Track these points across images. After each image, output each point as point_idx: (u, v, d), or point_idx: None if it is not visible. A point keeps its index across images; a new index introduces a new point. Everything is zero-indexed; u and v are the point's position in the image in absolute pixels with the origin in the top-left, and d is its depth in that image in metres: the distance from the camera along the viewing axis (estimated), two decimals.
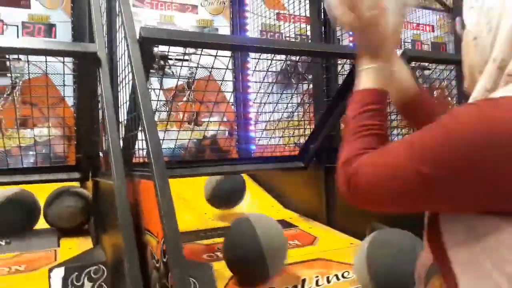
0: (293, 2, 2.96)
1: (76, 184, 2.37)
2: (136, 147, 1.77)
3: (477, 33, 0.69)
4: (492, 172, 0.55)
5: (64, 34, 2.88)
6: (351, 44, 2.92)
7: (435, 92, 3.04)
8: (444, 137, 0.58)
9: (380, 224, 1.62)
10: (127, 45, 1.49)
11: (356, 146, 0.71)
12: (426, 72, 3.09)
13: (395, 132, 2.65)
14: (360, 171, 0.66)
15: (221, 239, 2.05)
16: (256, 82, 3.01)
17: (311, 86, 2.73)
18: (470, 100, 0.69)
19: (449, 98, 3.21)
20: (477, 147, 0.55)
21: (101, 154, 2.12)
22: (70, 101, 2.43)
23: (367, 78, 0.79)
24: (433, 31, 4.36)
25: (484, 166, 0.55)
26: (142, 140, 1.52)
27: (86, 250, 1.84)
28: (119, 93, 1.99)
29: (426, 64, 2.83)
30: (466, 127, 0.57)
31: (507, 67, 0.64)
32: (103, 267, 1.41)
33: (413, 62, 2.35)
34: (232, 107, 3.30)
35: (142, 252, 1.41)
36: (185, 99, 3.12)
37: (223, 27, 3.40)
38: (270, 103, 2.39)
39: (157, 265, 1.27)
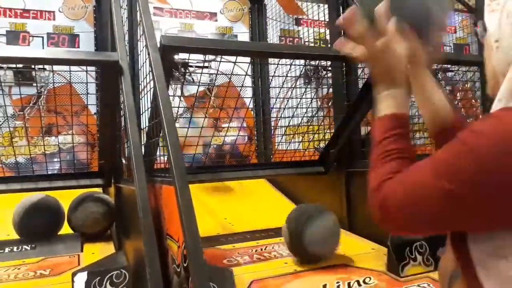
0: (312, 7, 2.96)
1: (99, 190, 2.41)
2: (158, 153, 1.80)
3: (499, 36, 0.69)
4: None
5: (87, 44, 2.96)
6: None
7: (458, 94, 2.98)
8: (466, 155, 0.58)
9: None
10: (148, 54, 1.51)
11: (383, 171, 0.72)
12: (449, 74, 3.04)
13: (417, 135, 2.61)
14: (388, 196, 0.67)
15: (241, 244, 2.07)
16: (275, 87, 3.02)
17: (330, 90, 2.71)
18: (495, 103, 0.68)
19: (473, 100, 3.14)
20: (497, 160, 0.56)
21: (123, 160, 2.15)
22: (93, 109, 2.49)
23: (385, 104, 0.79)
24: (455, 32, 4.29)
25: (506, 179, 0.55)
26: (163, 146, 1.54)
27: (109, 255, 1.86)
28: (140, 100, 2.02)
29: (449, 66, 2.78)
30: (485, 141, 0.57)
31: None
32: (125, 272, 1.42)
33: (435, 64, 2.31)
34: (252, 112, 3.31)
35: (163, 257, 1.42)
36: (203, 105, 3.14)
37: (243, 33, 3.42)
38: (289, 108, 2.39)
39: (178, 270, 1.28)
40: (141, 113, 1.97)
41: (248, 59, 2.28)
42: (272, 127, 3.23)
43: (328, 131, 2.49)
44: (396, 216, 0.66)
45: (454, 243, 0.67)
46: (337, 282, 1.59)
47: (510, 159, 0.55)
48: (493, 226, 0.60)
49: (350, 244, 2.09)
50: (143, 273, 1.25)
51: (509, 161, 0.55)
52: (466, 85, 2.86)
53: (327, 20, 2.61)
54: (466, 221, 0.61)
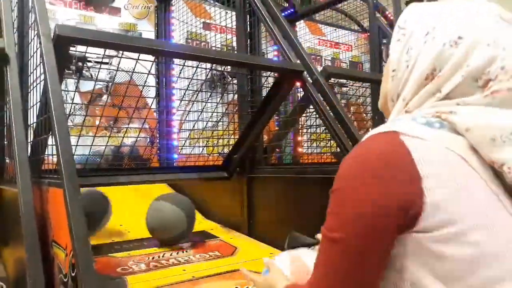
0: (220, 12, 2.97)
1: None
2: (47, 152, 1.65)
3: (397, 66, 0.74)
4: (380, 192, 0.63)
5: None
6: (275, 58, 3.00)
7: (351, 108, 3.21)
8: (337, 193, 0.68)
9: (298, 233, 1.65)
10: (40, 43, 1.38)
11: None
12: (344, 89, 3.26)
13: (314, 145, 2.75)
14: None
15: (137, 252, 1.98)
16: (180, 89, 2.97)
17: (236, 97, 2.75)
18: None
19: (364, 114, 3.40)
20: (357, 176, 0.65)
21: (7, 159, 1.94)
22: None
23: None
24: (351, 50, 4.62)
25: (373, 188, 0.63)
26: (52, 145, 1.42)
27: None
28: (29, 94, 1.84)
29: (344, 81, 2.98)
30: (346, 164, 0.69)
31: (409, 103, 0.72)
32: (2, 284, 1.28)
33: (332, 79, 2.46)
34: (154, 113, 3.21)
35: (49, 267, 1.30)
36: (102, 103, 2.97)
37: (148, 32, 3.31)
38: (194, 111, 2.36)
39: (65, 280, 1.18)
40: (29, 107, 1.80)
41: (151, 58, 2.21)
42: (176, 130, 3.17)
43: (232, 137, 2.51)
44: None
45: None
46: None
47: (357, 173, 0.66)
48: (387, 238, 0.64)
49: (249, 249, 2.12)
50: (24, 284, 1.13)
51: (357, 174, 0.66)
52: (359, 100, 3.08)
53: (235, 26, 2.64)
54: (369, 258, 0.65)
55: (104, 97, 2.98)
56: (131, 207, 2.58)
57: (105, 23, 3.15)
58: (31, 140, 1.69)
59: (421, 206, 0.60)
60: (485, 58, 0.65)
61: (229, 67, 2.84)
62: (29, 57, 1.86)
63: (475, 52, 0.65)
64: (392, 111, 0.77)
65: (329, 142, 2.63)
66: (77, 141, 1.83)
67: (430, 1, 0.80)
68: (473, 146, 0.63)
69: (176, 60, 3.06)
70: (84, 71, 2.75)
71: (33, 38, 1.71)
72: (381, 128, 0.68)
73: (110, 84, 2.92)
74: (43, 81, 1.40)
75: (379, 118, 3.19)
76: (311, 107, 2.13)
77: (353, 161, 0.67)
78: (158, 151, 3.16)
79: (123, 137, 2.43)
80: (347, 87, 3.13)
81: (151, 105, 3.11)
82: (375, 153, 0.64)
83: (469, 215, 0.60)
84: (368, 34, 3.82)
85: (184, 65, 2.00)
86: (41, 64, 1.39)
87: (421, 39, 0.70)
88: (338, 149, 1.97)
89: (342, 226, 0.64)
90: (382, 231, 0.62)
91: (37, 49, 1.60)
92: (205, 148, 2.58)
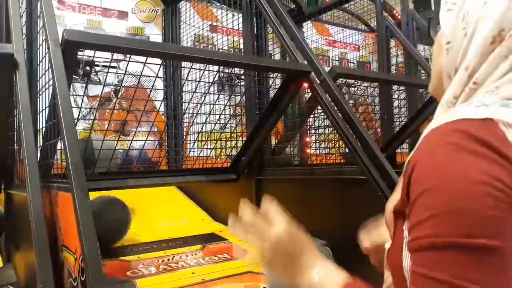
0: (226, 15, 2.98)
1: None
2: (57, 157, 1.66)
3: (452, 37, 0.65)
4: (504, 214, 0.50)
5: None
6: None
7: (360, 108, 3.19)
8: (443, 211, 0.51)
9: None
10: (48, 48, 1.39)
11: None
12: (352, 89, 3.24)
13: (322, 145, 2.74)
14: None
15: (146, 255, 1.98)
16: (188, 91, 2.97)
17: (243, 98, 2.75)
18: (438, 107, 0.66)
19: (372, 114, 3.38)
20: (474, 199, 0.49)
21: (17, 164, 1.96)
22: None
23: None
24: (358, 50, 4.60)
25: (496, 213, 0.49)
26: (61, 149, 1.43)
27: None
28: (38, 99, 1.86)
29: (352, 81, 2.97)
30: (451, 186, 0.51)
31: (474, 75, 0.61)
32: None
33: (340, 79, 2.45)
34: (163, 117, 3.22)
35: (59, 271, 1.31)
36: (111, 107, 2.99)
37: (155, 35, 3.32)
38: (202, 114, 2.36)
39: (75, 284, 1.18)
40: (38, 112, 1.81)
41: (158, 61, 2.21)
42: (184, 133, 3.17)
43: (240, 138, 2.50)
44: None
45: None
46: None
47: (471, 195, 0.49)
48: None
49: None
50: None
51: (470, 197, 0.49)
52: (367, 100, 3.06)
53: (241, 29, 2.64)
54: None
55: (112, 101, 3.00)
56: (140, 210, 2.59)
57: (112, 27, 3.17)
58: (41, 144, 1.70)
59: None
60: None
61: (236, 69, 2.84)
62: (38, 62, 1.87)
63: None
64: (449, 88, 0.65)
65: (337, 143, 2.62)
66: (86, 145, 1.84)
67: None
68: None
69: (184, 63, 3.07)
70: (92, 75, 2.77)
71: (42, 43, 1.72)
72: (464, 113, 0.55)
73: (118, 88, 2.93)
74: (51, 86, 1.41)
75: (387, 118, 3.17)
76: (319, 107, 2.12)
77: (460, 184, 0.51)
78: (166, 154, 3.17)
79: (131, 140, 2.44)
80: (355, 87, 3.11)
81: (159, 108, 3.12)
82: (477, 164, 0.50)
83: None
84: (376, 33, 3.80)
85: (191, 67, 2.00)
86: (50, 69, 1.40)
87: (479, 2, 0.62)
88: (347, 150, 1.96)
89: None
90: None
91: (45, 54, 1.62)
92: (213, 150, 2.58)
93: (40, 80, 1.84)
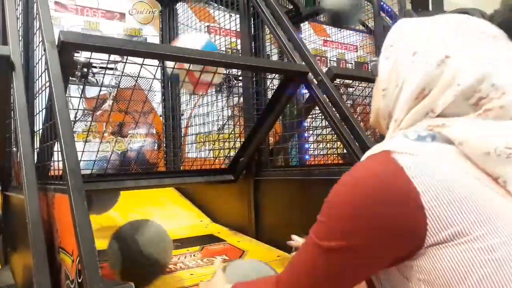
0: (224, 16, 2.98)
1: None
2: (53, 158, 1.65)
3: (387, 85, 0.73)
4: (381, 225, 0.61)
5: None
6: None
7: (358, 109, 3.19)
8: (330, 213, 0.65)
9: (306, 236, 1.64)
10: (44, 49, 1.39)
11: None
12: (350, 89, 3.24)
13: (320, 146, 2.73)
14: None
15: None
16: (185, 93, 2.97)
17: (241, 99, 2.74)
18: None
19: (370, 114, 3.37)
20: (357, 210, 0.62)
21: (14, 166, 1.95)
22: None
23: None
24: (356, 51, 4.60)
25: (371, 223, 0.61)
26: (58, 151, 1.42)
27: None
28: (35, 100, 1.85)
29: (350, 81, 2.96)
30: (342, 196, 0.65)
31: (401, 123, 0.72)
32: None
33: (338, 80, 2.45)
34: (161, 118, 3.21)
35: (56, 273, 1.30)
36: (107, 108, 2.98)
37: (153, 37, 3.32)
38: (200, 115, 2.36)
39: (72, 286, 1.17)
40: (35, 114, 1.81)
41: (156, 62, 2.21)
42: (182, 134, 3.17)
43: (238, 139, 2.50)
44: None
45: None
46: None
47: (356, 206, 0.62)
48: (374, 268, 0.67)
49: (256, 252, 2.11)
50: None
51: (356, 208, 0.62)
52: (365, 100, 3.06)
53: (239, 29, 2.64)
54: (353, 272, 0.66)
55: (109, 103, 2.99)
56: (138, 212, 2.58)
57: (110, 28, 3.16)
58: (37, 146, 1.70)
59: (426, 222, 0.58)
60: (475, 76, 0.63)
61: (234, 70, 2.84)
62: (35, 64, 1.87)
63: (463, 71, 0.64)
64: (384, 128, 0.78)
65: (335, 144, 2.62)
66: (83, 147, 1.84)
67: (421, 15, 0.80)
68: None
69: None
70: (89, 77, 2.76)
71: (38, 45, 1.72)
72: (374, 149, 0.68)
73: (113, 89, 2.92)
74: (48, 88, 1.41)
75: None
76: (317, 108, 2.12)
77: (345, 188, 0.65)
78: (165, 155, 3.16)
79: (129, 142, 2.44)
80: (353, 87, 3.11)
81: (157, 109, 3.12)
82: (369, 177, 0.63)
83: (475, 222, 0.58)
84: (373, 34, 3.80)
85: (189, 69, 1.99)
86: (46, 70, 1.40)
87: (409, 59, 0.70)
88: (345, 150, 1.96)
89: (333, 239, 0.64)
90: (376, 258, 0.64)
91: (42, 55, 1.61)
92: (211, 151, 2.57)
93: (37, 81, 1.84)
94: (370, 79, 2.67)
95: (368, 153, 0.69)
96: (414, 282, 0.61)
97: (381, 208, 0.59)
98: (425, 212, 0.58)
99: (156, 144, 3.22)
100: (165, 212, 2.74)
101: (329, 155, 2.69)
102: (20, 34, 1.91)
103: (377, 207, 0.60)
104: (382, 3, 3.47)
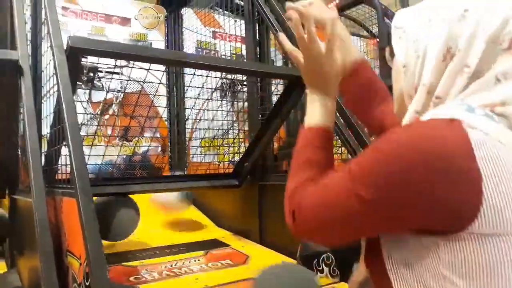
0: (229, 21, 2.99)
1: None
2: (61, 162, 1.67)
3: (406, 61, 0.70)
4: (428, 194, 0.55)
5: None
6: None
7: None
8: (380, 161, 0.59)
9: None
10: (53, 54, 1.41)
11: (299, 178, 0.72)
12: None
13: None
14: (303, 203, 0.66)
15: (150, 260, 1.98)
16: (190, 98, 2.98)
17: (246, 104, 2.75)
18: (402, 124, 0.71)
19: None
20: (412, 169, 0.56)
21: (22, 170, 1.97)
22: None
23: (314, 113, 0.81)
24: None
25: (420, 188, 0.56)
26: (66, 155, 1.44)
27: None
28: (42, 105, 1.87)
29: None
30: (400, 150, 0.57)
31: (435, 91, 0.65)
32: None
33: None
34: (166, 122, 3.23)
35: (63, 276, 1.31)
36: (112, 112, 3.00)
37: (158, 41, 3.34)
38: (205, 119, 2.37)
39: None
40: (43, 118, 1.83)
41: (162, 67, 2.23)
42: (187, 139, 3.18)
43: (242, 144, 2.51)
44: (309, 221, 0.66)
45: (368, 255, 0.68)
46: None
47: (425, 172, 0.55)
48: (402, 229, 0.60)
49: (261, 257, 2.11)
50: None
51: (423, 175, 0.55)
52: None
53: (243, 35, 2.66)
54: (378, 227, 0.62)
55: (115, 107, 3.01)
56: (143, 216, 2.59)
57: (116, 33, 3.19)
58: (45, 150, 1.71)
59: (478, 208, 0.54)
60: (499, 18, 0.61)
61: (239, 75, 2.86)
62: (43, 69, 1.89)
63: (486, 17, 0.62)
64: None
65: (339, 149, 2.62)
66: (90, 151, 1.85)
67: None
68: None
69: (186, 69, 3.09)
70: (95, 81, 2.78)
71: (47, 50, 1.74)
72: (437, 113, 0.62)
73: (119, 94, 2.95)
74: (56, 92, 1.43)
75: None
76: None
77: (406, 144, 0.58)
78: (169, 160, 3.18)
79: (134, 146, 2.45)
80: None
81: (162, 114, 3.14)
82: (436, 142, 0.56)
83: None
84: (377, 39, 3.81)
85: (194, 74, 2.01)
86: (54, 75, 1.41)
87: (425, 26, 0.67)
88: (349, 156, 1.96)
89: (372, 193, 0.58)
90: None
91: (50, 60, 1.63)
92: (216, 156, 2.58)
93: (45, 86, 1.86)
94: None
95: (428, 116, 0.63)
96: (433, 257, 0.58)
97: (439, 176, 0.55)
98: (482, 198, 0.54)
99: (161, 149, 3.24)
100: (169, 217, 2.74)
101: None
102: (29, 39, 1.93)
103: (435, 175, 0.55)
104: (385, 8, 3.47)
